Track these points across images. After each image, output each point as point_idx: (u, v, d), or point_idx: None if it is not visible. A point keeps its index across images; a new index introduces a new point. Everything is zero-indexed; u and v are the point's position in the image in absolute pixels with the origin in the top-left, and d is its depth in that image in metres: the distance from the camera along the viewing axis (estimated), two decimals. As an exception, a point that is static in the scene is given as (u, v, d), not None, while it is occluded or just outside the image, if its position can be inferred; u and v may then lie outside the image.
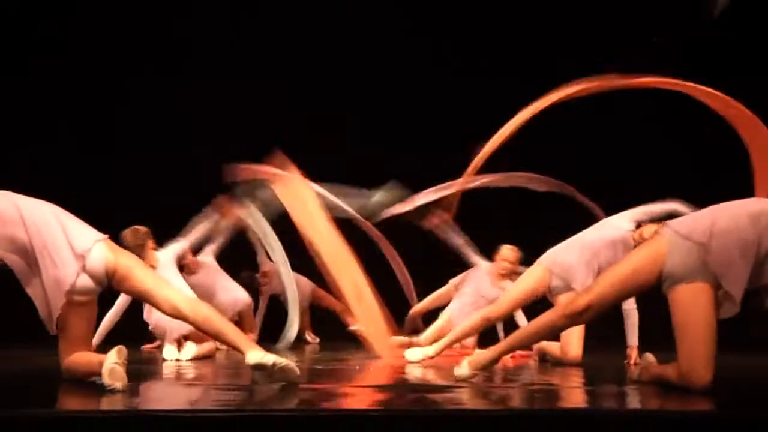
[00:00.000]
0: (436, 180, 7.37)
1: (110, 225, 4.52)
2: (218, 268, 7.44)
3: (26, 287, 4.01)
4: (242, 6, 9.33)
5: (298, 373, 3.95)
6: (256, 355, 3.88)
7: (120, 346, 3.81)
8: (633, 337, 5.59)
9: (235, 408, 3.39)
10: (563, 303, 4.07)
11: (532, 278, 5.59)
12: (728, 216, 3.73)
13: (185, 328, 5.78)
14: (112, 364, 3.70)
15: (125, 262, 4.08)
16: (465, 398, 3.80)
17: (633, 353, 5.54)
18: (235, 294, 7.47)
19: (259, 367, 3.87)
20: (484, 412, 3.42)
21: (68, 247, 3.97)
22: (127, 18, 8.83)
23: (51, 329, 4.03)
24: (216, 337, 4.18)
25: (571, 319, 3.87)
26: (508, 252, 6.75)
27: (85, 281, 4.00)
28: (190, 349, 5.99)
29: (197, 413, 3.22)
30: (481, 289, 6.93)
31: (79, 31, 8.75)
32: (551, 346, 5.72)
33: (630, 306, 5.49)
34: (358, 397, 3.98)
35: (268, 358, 3.86)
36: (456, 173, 6.90)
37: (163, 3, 8.97)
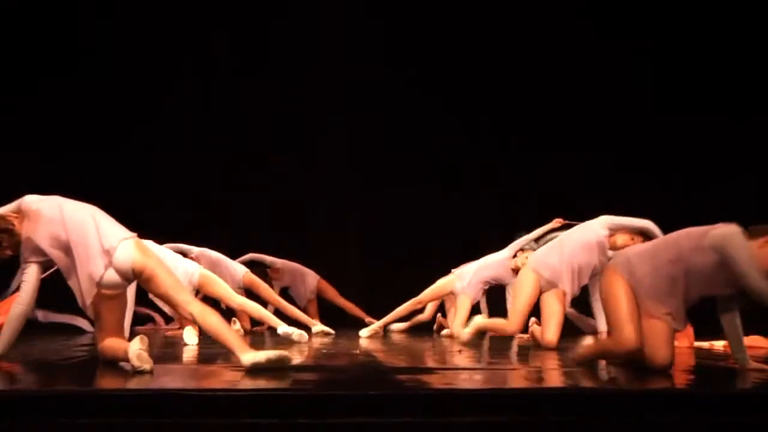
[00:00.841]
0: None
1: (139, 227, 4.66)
2: (211, 254, 7.56)
3: (68, 280, 4.24)
4: (269, 16, 9.19)
5: (291, 357, 4.11)
6: (248, 356, 3.99)
7: (141, 335, 4.03)
8: (602, 322, 5.80)
9: (253, 387, 3.57)
10: (613, 343, 4.25)
11: (529, 284, 5.87)
12: (656, 264, 4.12)
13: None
14: (137, 350, 3.92)
15: (152, 264, 4.24)
16: (456, 380, 4.01)
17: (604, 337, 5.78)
18: (233, 275, 7.55)
19: (254, 367, 3.98)
20: (475, 391, 3.63)
21: (99, 244, 4.17)
22: (158, 24, 8.71)
23: (89, 315, 4.27)
24: (218, 340, 4.27)
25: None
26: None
27: (112, 276, 4.18)
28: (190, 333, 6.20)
29: (218, 392, 3.41)
30: (502, 278, 7.08)
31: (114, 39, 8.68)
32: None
33: (597, 297, 5.80)
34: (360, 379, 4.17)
35: (260, 356, 3.99)
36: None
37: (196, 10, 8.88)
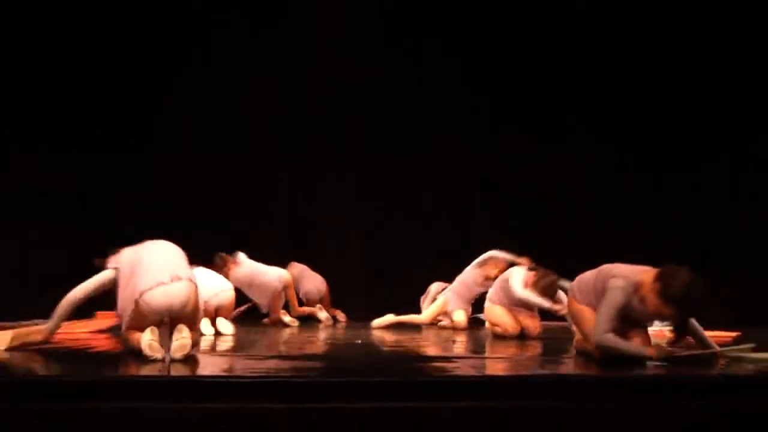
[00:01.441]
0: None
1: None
2: (251, 261, 7.74)
3: (117, 291, 4.46)
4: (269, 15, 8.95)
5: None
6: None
7: (152, 326, 4.20)
8: None
9: (264, 375, 3.75)
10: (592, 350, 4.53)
11: (504, 311, 6.62)
12: (589, 295, 4.52)
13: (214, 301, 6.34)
14: (149, 340, 4.11)
15: (192, 314, 4.47)
16: (451, 367, 4.20)
17: None
18: (272, 278, 7.73)
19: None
20: (467, 378, 3.82)
21: (169, 268, 4.37)
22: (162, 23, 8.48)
23: (123, 324, 4.45)
24: None
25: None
26: (503, 264, 7.25)
27: (159, 298, 4.30)
28: (225, 324, 6.35)
29: (229, 378, 3.64)
30: (481, 292, 7.37)
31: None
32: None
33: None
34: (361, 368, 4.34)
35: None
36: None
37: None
